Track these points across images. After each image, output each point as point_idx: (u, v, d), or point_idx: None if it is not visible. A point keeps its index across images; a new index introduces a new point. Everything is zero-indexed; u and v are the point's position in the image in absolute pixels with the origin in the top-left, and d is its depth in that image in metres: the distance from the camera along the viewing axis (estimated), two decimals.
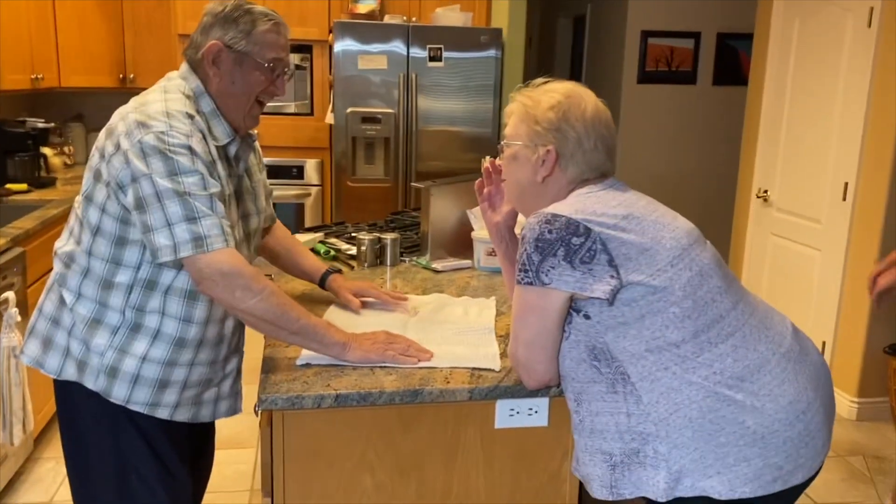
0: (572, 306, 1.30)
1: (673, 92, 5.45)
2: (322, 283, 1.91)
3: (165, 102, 1.45)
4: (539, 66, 7.04)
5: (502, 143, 1.48)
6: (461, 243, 2.44)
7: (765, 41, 4.01)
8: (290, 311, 1.46)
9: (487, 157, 1.71)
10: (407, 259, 2.38)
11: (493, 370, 1.49)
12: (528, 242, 1.29)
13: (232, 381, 1.69)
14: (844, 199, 3.45)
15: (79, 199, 1.53)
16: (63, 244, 1.55)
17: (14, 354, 2.40)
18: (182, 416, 1.57)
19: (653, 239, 1.29)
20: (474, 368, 1.50)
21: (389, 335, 1.58)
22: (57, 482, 2.72)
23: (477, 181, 1.70)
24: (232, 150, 1.57)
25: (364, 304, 1.85)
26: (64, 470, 1.67)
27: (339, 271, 1.94)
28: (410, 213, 3.04)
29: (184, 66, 1.56)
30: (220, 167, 1.50)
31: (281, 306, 1.45)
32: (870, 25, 3.31)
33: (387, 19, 4.16)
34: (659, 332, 1.25)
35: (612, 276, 1.25)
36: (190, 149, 1.41)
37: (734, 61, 5.45)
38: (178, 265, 1.46)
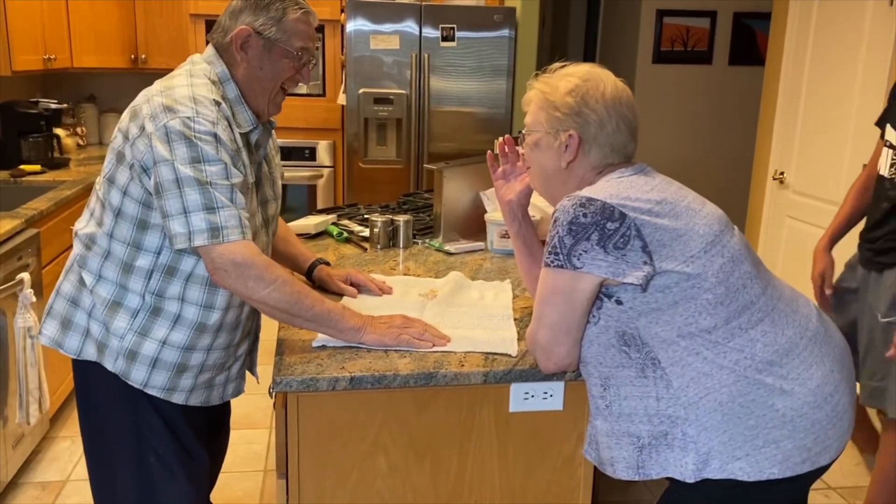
0: (603, 291, 1.29)
1: (688, 72, 5.38)
2: (309, 275, 1.89)
3: (192, 87, 1.44)
4: (552, 46, 6.96)
5: (522, 131, 1.47)
6: (474, 225, 2.42)
7: (783, 20, 3.95)
8: (304, 300, 1.45)
9: (503, 136, 1.70)
10: (420, 241, 2.37)
11: (509, 355, 1.48)
12: (562, 225, 1.28)
13: (241, 363, 1.70)
14: None
15: (100, 179, 1.52)
16: (83, 225, 1.55)
17: (30, 335, 2.41)
18: (195, 400, 1.58)
19: (685, 225, 1.28)
20: (490, 353, 1.49)
21: (406, 319, 1.57)
22: (73, 461, 2.75)
23: (489, 154, 1.69)
24: (254, 137, 1.56)
25: (359, 290, 1.84)
26: (79, 449, 1.69)
27: (327, 263, 1.92)
28: (423, 194, 3.03)
29: (209, 50, 1.54)
30: (244, 155, 1.50)
31: (295, 294, 1.44)
32: (892, 4, 3.24)
33: None
34: (692, 319, 1.25)
35: (645, 263, 1.24)
36: (216, 136, 1.41)
37: (751, 41, 5.37)
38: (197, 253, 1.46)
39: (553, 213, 1.33)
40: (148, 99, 1.44)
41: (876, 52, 3.34)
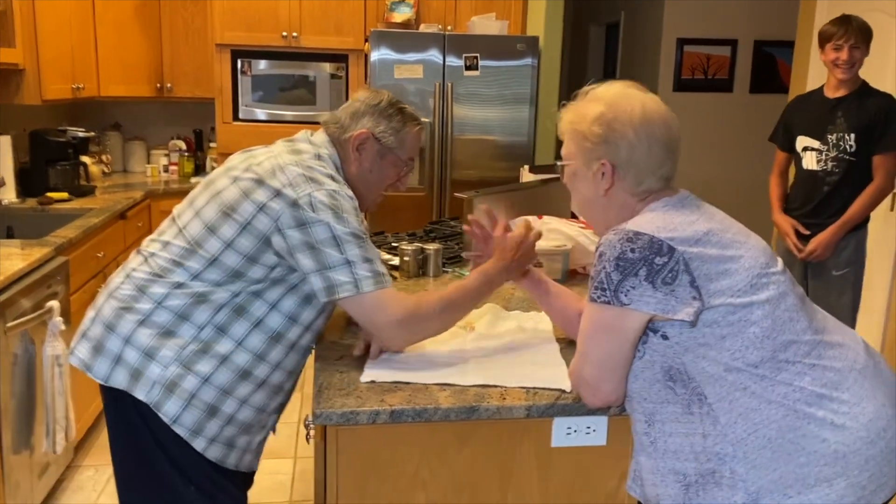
0: (649, 326, 1.26)
1: (710, 100, 5.39)
2: None
3: (325, 169, 1.56)
4: (571, 74, 6.99)
5: (559, 163, 1.46)
6: None
7: (807, 48, 3.94)
8: (457, 303, 1.57)
9: (471, 219, 1.77)
10: (449, 270, 2.36)
11: (563, 391, 1.46)
12: (608, 260, 1.25)
13: (263, 436, 1.69)
14: (893, 209, 3.37)
15: (187, 218, 1.55)
16: (155, 251, 1.56)
17: (58, 363, 2.41)
18: (213, 453, 1.56)
19: (732, 257, 1.26)
20: (543, 388, 1.47)
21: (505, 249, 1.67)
22: (97, 490, 2.73)
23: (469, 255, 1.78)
24: None
25: None
26: (103, 478, 1.68)
27: None
28: (449, 222, 3.02)
29: (324, 137, 1.64)
30: None
31: (449, 305, 1.56)
32: None
33: (422, 28, 4.15)
34: (739, 353, 1.22)
35: (694, 298, 1.22)
36: (356, 209, 1.54)
37: (772, 69, 5.37)
38: (295, 313, 1.54)
39: (598, 248, 1.30)
40: (280, 167, 1.52)
41: None
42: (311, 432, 1.41)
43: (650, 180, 1.36)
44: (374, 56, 3.96)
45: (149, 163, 4.56)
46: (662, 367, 1.27)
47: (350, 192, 1.55)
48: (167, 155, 4.55)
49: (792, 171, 3.25)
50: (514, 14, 4.31)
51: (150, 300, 1.52)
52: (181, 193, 4.19)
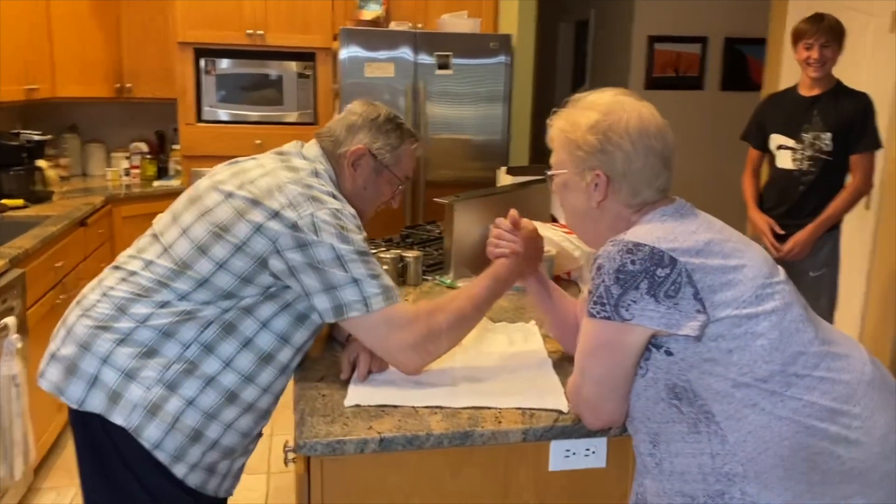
0: (651, 342, 1.20)
1: (681, 98, 5.38)
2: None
3: (325, 187, 1.48)
4: (540, 72, 6.95)
5: (549, 172, 1.39)
6: (485, 260, 2.32)
7: (779, 46, 3.94)
8: (469, 316, 1.50)
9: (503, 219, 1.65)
10: (430, 278, 2.27)
11: (560, 411, 1.38)
12: (607, 273, 1.19)
13: (243, 461, 1.61)
14: (867, 207, 3.37)
15: (174, 238, 1.45)
16: (136, 270, 1.46)
17: (15, 383, 2.27)
18: (193, 479, 1.46)
19: (735, 267, 1.20)
20: (539, 409, 1.39)
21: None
22: None
23: (495, 252, 1.63)
24: None
25: None
26: (66, 500, 1.57)
27: None
28: (425, 227, 2.93)
29: (316, 150, 1.56)
30: None
31: (462, 320, 1.49)
32: (892, 30, 3.23)
33: (392, 26, 4.05)
34: (747, 368, 1.16)
35: (698, 311, 1.16)
36: (359, 227, 1.47)
37: (742, 66, 5.38)
38: (287, 333, 1.46)
39: (595, 260, 1.24)
40: (279, 187, 1.43)
41: (877, 77, 3.32)
42: (292, 457, 1.32)
43: (646, 192, 1.30)
44: (344, 54, 3.85)
45: (109, 166, 4.38)
46: (666, 384, 1.21)
47: (352, 210, 1.48)
48: (128, 158, 4.38)
49: (765, 169, 3.22)
50: (486, 12, 4.23)
51: (131, 319, 1.42)
52: (144, 198, 4.12)
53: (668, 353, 1.19)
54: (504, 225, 1.62)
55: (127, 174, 4.35)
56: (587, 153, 1.30)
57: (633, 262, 1.17)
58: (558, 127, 1.35)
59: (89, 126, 4.50)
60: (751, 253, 1.26)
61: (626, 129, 1.28)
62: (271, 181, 1.44)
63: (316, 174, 1.50)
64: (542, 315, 1.60)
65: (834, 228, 3.01)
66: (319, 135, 1.60)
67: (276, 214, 1.40)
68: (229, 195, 1.44)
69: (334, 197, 1.48)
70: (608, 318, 1.19)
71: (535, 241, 1.63)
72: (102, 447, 1.43)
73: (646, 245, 1.18)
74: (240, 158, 1.58)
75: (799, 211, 3.00)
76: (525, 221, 1.63)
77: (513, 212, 1.63)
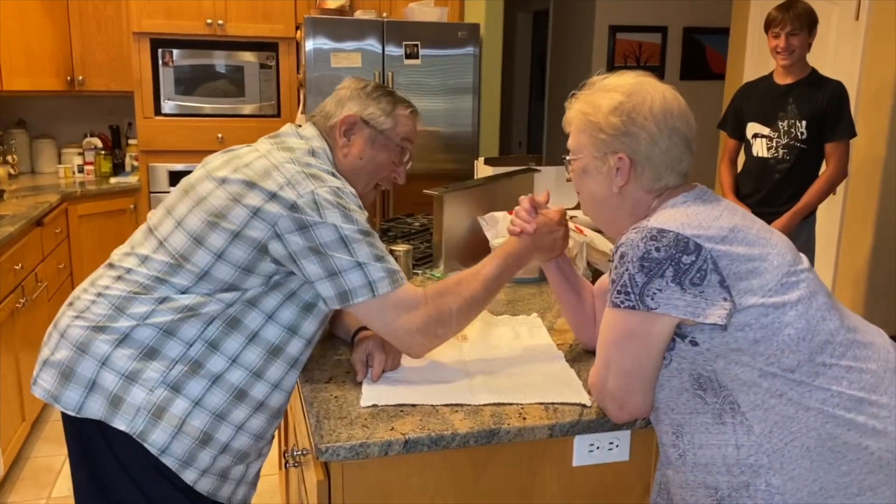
0: (676, 331, 1.17)
1: None
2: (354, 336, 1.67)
3: (323, 165, 1.43)
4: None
5: (566, 157, 1.34)
6: (475, 252, 2.27)
7: (742, 35, 3.99)
8: (479, 299, 1.44)
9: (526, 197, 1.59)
10: (420, 272, 2.22)
11: (584, 405, 1.34)
12: (631, 261, 1.15)
13: (259, 466, 1.52)
14: (834, 192, 3.44)
15: (169, 230, 1.37)
16: (132, 266, 1.38)
17: None
18: (204, 485, 1.38)
19: (760, 255, 1.17)
20: (563, 404, 1.35)
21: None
22: None
23: (510, 228, 1.56)
24: None
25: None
26: None
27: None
28: (405, 220, 2.87)
29: (312, 130, 1.51)
30: None
31: (472, 301, 1.42)
32: (857, 18, 3.29)
33: (358, 15, 3.96)
34: (774, 358, 1.14)
35: (724, 299, 1.13)
36: (360, 206, 1.41)
37: (700, 56, 5.45)
38: (295, 324, 1.39)
39: (617, 248, 1.20)
40: (275, 166, 1.37)
41: (842, 65, 3.38)
42: (301, 460, 1.26)
43: (668, 177, 1.27)
44: (309, 45, 3.75)
45: (60, 163, 4.19)
46: (691, 374, 1.18)
47: (353, 189, 1.41)
48: (81, 154, 4.19)
49: (740, 158, 3.26)
50: (452, 1, 4.18)
51: (130, 318, 1.33)
52: (101, 195, 3.95)
53: (694, 343, 1.16)
54: (524, 203, 1.56)
55: (80, 171, 4.16)
56: (610, 136, 1.25)
57: (657, 250, 1.14)
58: (578, 109, 1.30)
59: (38, 121, 4.29)
60: (774, 240, 1.24)
61: (651, 110, 1.24)
62: (267, 162, 1.38)
63: (313, 153, 1.45)
64: (564, 310, 1.56)
65: (809, 217, 3.05)
66: (313, 115, 1.54)
67: (273, 196, 1.33)
68: (223, 181, 1.36)
69: (334, 176, 1.42)
70: (633, 308, 1.15)
71: (552, 229, 1.54)
72: (100, 456, 1.35)
73: (670, 231, 1.15)
74: (234, 147, 1.50)
75: (775, 199, 3.03)
76: (553, 210, 1.57)
77: (539, 196, 1.58)
